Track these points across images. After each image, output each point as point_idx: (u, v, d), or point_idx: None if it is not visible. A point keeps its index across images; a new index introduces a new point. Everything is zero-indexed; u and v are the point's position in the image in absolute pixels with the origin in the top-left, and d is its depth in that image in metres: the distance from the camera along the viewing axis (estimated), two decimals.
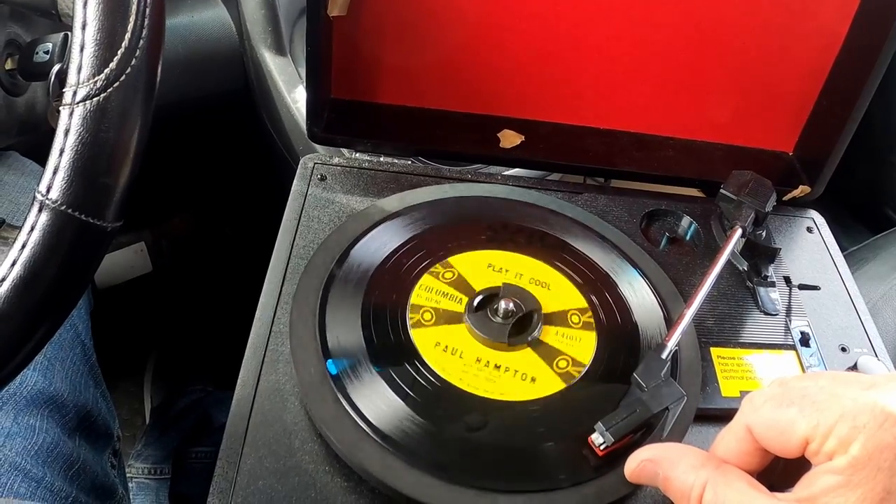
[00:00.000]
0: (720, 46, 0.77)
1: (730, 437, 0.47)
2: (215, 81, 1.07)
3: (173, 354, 1.48)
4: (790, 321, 0.68)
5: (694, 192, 0.82)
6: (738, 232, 0.68)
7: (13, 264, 0.44)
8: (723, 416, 0.60)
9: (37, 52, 0.72)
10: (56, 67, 0.68)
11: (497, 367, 0.58)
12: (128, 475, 1.17)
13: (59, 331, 0.49)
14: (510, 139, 0.79)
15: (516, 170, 0.89)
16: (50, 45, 0.72)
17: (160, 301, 1.54)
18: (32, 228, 0.44)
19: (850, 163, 0.83)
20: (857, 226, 1.46)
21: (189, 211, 1.52)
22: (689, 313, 0.60)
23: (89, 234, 0.45)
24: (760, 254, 0.72)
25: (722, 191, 0.71)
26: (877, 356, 0.68)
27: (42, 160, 0.45)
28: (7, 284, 0.44)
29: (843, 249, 0.79)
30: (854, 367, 0.64)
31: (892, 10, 0.69)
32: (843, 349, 0.68)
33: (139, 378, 1.46)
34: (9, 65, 0.76)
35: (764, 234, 0.73)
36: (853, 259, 1.04)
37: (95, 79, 0.44)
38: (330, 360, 0.56)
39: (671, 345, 0.57)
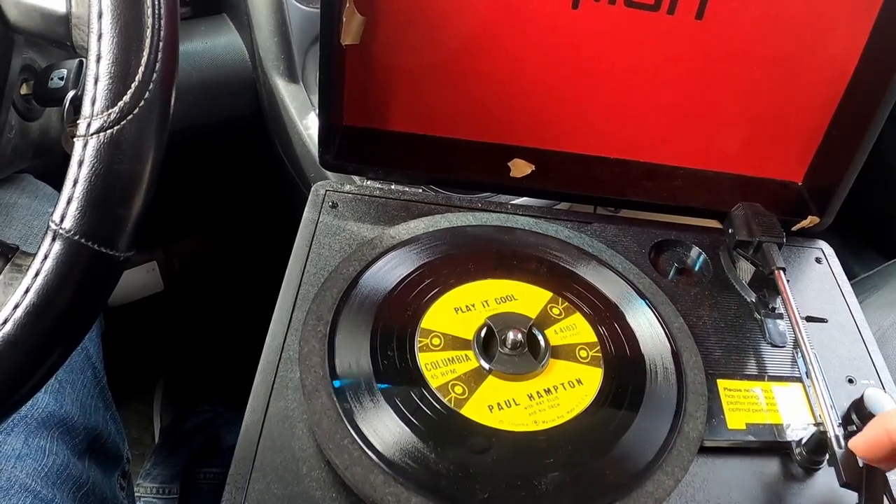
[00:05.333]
0: (730, 77, 0.77)
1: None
2: (228, 107, 1.08)
3: (183, 374, 1.49)
4: (797, 353, 0.68)
5: (708, 222, 0.82)
6: (784, 277, 0.70)
7: (27, 291, 0.44)
8: (729, 448, 0.60)
9: (52, 78, 0.73)
10: (71, 93, 0.69)
11: (505, 398, 0.58)
12: (136, 494, 1.17)
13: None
14: (521, 168, 0.80)
15: (524, 199, 0.89)
16: (65, 72, 0.73)
17: (171, 321, 1.54)
18: (46, 257, 0.45)
19: (862, 188, 0.83)
20: (868, 251, 1.46)
21: (201, 231, 1.53)
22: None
23: (102, 263, 0.46)
24: (766, 282, 0.72)
25: (737, 238, 0.73)
26: (884, 388, 0.68)
27: (56, 183, 0.46)
28: (20, 311, 0.44)
29: (854, 275, 0.79)
30: (861, 399, 0.64)
31: None
32: (850, 381, 0.68)
33: (149, 397, 1.46)
34: (24, 90, 0.76)
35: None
36: (863, 286, 1.04)
37: (109, 111, 0.45)
38: (336, 381, 0.56)
39: None
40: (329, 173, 0.84)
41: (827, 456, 0.59)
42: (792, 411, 0.64)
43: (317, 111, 0.95)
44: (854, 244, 1.46)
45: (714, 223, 0.82)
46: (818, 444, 0.59)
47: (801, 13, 0.73)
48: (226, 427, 1.32)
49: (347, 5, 0.69)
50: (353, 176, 0.83)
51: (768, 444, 0.61)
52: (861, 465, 0.56)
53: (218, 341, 1.52)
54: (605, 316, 0.66)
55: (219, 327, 1.53)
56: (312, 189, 0.74)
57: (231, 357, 1.40)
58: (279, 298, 0.64)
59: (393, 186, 0.79)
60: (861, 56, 0.75)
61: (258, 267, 1.53)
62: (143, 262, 1.46)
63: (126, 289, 1.46)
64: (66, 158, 0.45)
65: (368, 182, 0.79)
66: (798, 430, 0.62)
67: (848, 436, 0.59)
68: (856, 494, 0.55)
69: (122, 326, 1.22)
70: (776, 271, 0.70)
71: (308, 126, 0.96)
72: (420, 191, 0.79)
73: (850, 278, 0.79)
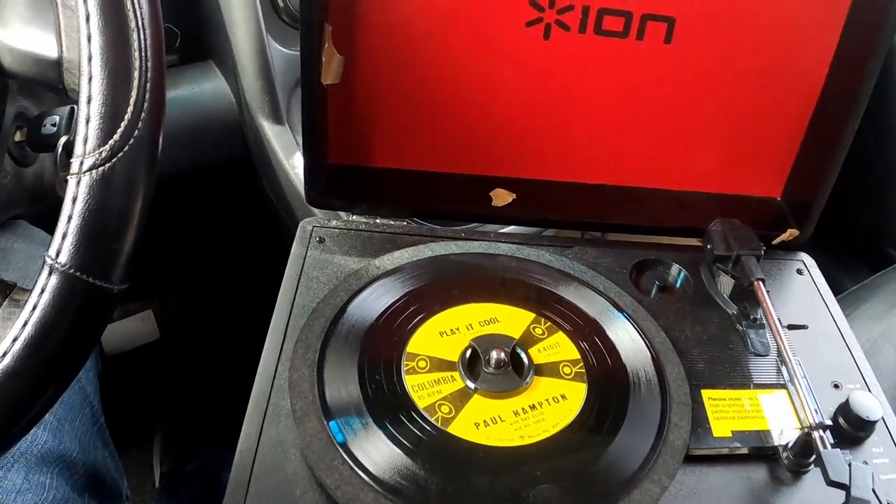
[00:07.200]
0: (703, 98, 0.79)
1: None
2: (216, 150, 1.10)
3: (182, 419, 1.49)
4: (780, 361, 0.69)
5: (692, 241, 0.83)
6: (763, 287, 0.71)
7: (24, 324, 0.46)
8: (716, 456, 0.61)
9: (44, 125, 0.75)
10: (63, 139, 0.71)
11: (491, 415, 0.59)
12: None
13: (67, 392, 0.51)
14: (502, 197, 0.81)
15: (512, 227, 0.91)
16: (57, 118, 0.75)
17: (168, 367, 1.55)
18: (42, 290, 0.46)
19: (850, 202, 0.84)
20: (857, 264, 1.47)
21: (195, 277, 1.54)
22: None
23: (97, 295, 0.48)
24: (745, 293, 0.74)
25: (716, 253, 0.74)
26: (870, 390, 0.69)
27: (50, 229, 0.48)
28: (19, 343, 0.46)
29: (843, 288, 0.80)
30: (847, 403, 0.65)
31: (866, 54, 0.72)
32: (836, 386, 0.69)
33: (149, 444, 1.46)
34: (18, 137, 0.78)
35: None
36: (851, 299, 1.05)
37: (100, 149, 0.46)
38: (332, 422, 0.57)
39: None
40: (316, 210, 0.86)
41: (813, 457, 0.60)
42: (778, 417, 0.64)
43: (302, 151, 0.96)
44: (842, 257, 1.47)
45: (697, 242, 0.83)
46: (804, 447, 0.60)
47: (768, 31, 0.75)
48: (226, 470, 1.32)
49: (326, 45, 0.70)
50: (339, 212, 0.85)
51: (755, 450, 0.62)
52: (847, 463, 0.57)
53: (215, 386, 1.52)
54: (587, 333, 0.67)
55: (216, 371, 1.54)
56: (300, 225, 0.75)
57: (229, 401, 1.41)
58: (270, 330, 0.65)
59: (378, 220, 0.80)
60: (829, 69, 0.77)
61: (250, 306, 1.53)
62: (139, 312, 1.47)
63: (123, 338, 1.46)
64: (60, 203, 0.47)
65: (354, 217, 0.80)
66: (784, 434, 0.62)
67: (835, 435, 0.60)
68: (843, 493, 0.56)
69: (120, 375, 1.23)
70: (755, 282, 0.71)
71: (294, 166, 0.98)
72: (405, 223, 0.81)
73: (839, 291, 0.79)
